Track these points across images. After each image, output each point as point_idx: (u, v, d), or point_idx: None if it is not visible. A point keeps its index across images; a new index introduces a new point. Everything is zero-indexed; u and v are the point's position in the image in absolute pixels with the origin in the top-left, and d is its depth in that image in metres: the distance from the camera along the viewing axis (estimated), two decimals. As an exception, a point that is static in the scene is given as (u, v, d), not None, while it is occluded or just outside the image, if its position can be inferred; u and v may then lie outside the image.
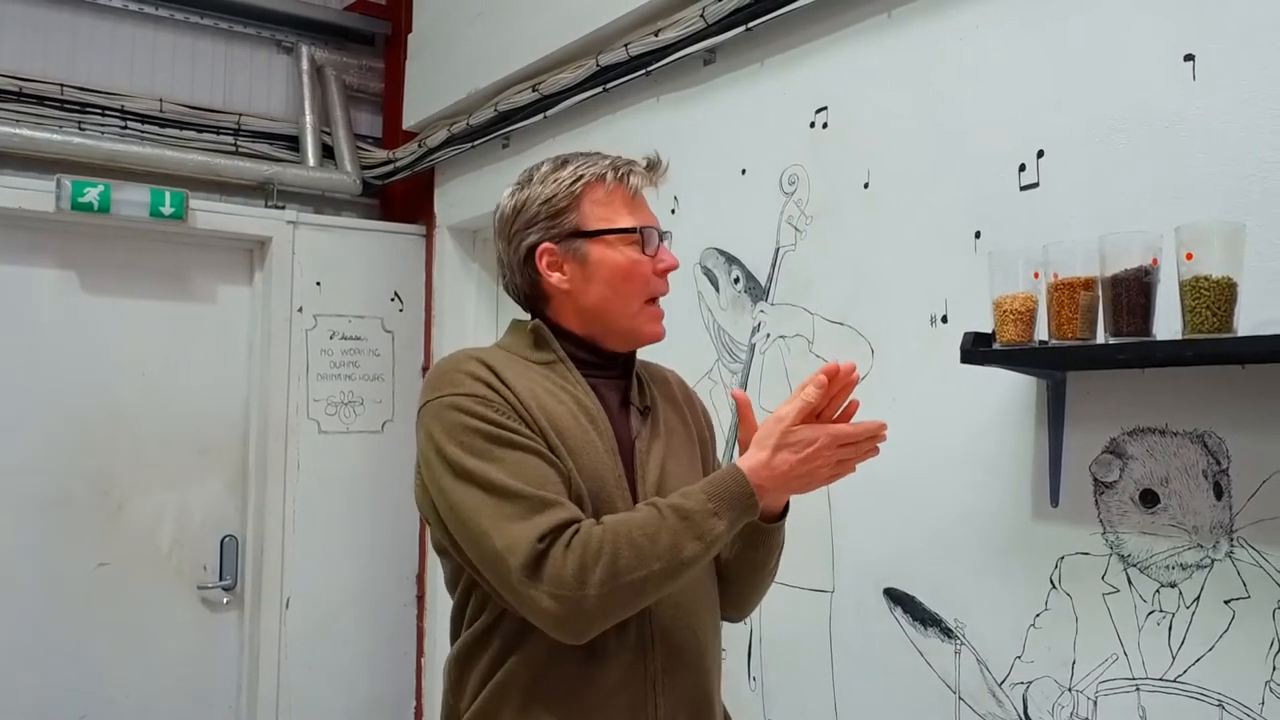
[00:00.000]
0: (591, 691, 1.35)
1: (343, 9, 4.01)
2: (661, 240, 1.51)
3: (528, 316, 1.55)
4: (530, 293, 1.51)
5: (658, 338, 1.52)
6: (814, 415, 1.33)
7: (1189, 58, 1.58)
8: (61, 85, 3.46)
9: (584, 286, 1.47)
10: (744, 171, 2.38)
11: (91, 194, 3.18)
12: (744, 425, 1.42)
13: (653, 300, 1.50)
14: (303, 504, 3.53)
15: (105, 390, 3.39)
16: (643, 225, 1.49)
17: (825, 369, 1.31)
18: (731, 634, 2.29)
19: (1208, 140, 1.54)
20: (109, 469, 3.38)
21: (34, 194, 3.18)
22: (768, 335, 2.30)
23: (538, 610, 1.24)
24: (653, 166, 1.54)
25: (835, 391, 1.34)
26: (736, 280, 2.38)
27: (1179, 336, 1.42)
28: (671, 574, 1.25)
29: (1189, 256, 1.41)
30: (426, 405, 1.39)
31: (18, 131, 3.25)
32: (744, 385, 2.33)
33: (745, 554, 1.49)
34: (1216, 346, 1.38)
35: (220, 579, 3.53)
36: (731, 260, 2.40)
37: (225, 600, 3.55)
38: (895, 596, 1.99)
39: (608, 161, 1.52)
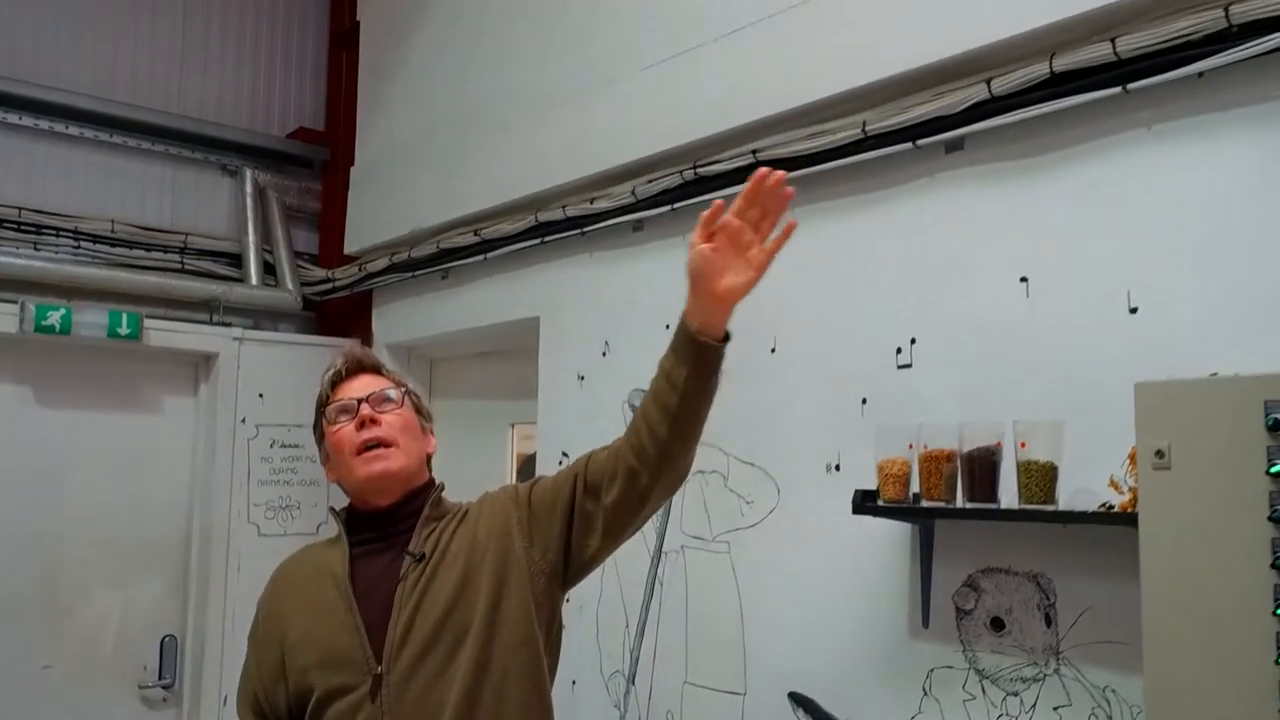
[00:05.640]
0: None
1: (285, 136, 4.31)
2: (366, 401, 1.78)
3: None
4: None
5: (373, 475, 1.75)
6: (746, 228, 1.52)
7: (1024, 279, 2.05)
8: (19, 208, 3.68)
9: (334, 471, 1.84)
10: (668, 326, 2.74)
11: (54, 317, 3.41)
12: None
13: (363, 450, 1.75)
14: (242, 604, 3.73)
15: (56, 498, 3.58)
16: (325, 406, 1.85)
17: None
18: (657, 730, 2.64)
19: (1038, 346, 2.01)
20: (58, 573, 3.56)
21: (-2, 316, 3.39)
22: (688, 469, 2.68)
23: None
24: (347, 356, 1.89)
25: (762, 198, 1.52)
26: (661, 419, 2.76)
27: (1016, 505, 1.87)
28: None
29: (1023, 445, 1.86)
30: None
31: (-19, 256, 3.46)
32: (667, 512, 2.71)
33: (697, 384, 1.58)
34: (1043, 515, 1.83)
35: (160, 678, 3.71)
36: (656, 402, 2.78)
37: (164, 698, 3.73)
38: (798, 699, 2.37)
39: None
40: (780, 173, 1.53)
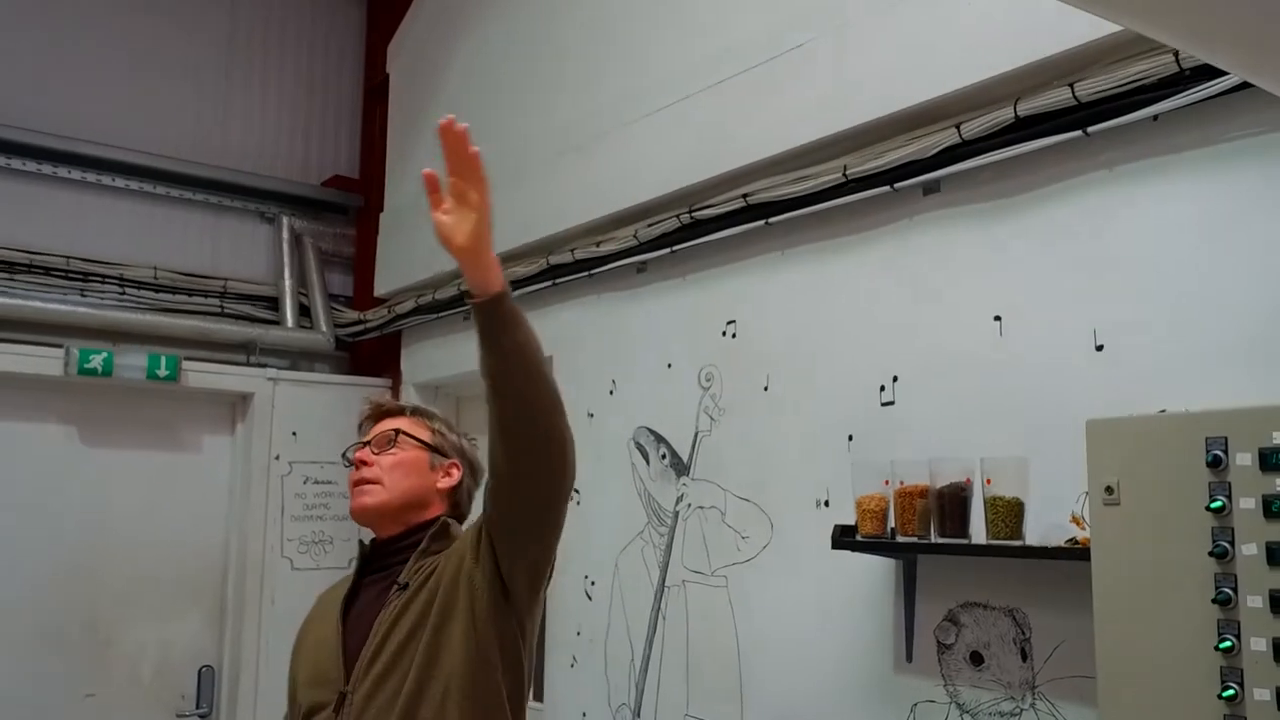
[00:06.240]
0: None
1: (320, 184, 4.48)
2: (366, 445, 1.92)
3: None
4: None
5: (352, 510, 1.89)
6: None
7: (997, 318, 2.09)
8: (67, 257, 3.88)
9: None
10: (669, 365, 2.85)
11: (96, 360, 3.58)
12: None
13: (353, 488, 1.90)
14: (276, 635, 3.86)
15: (98, 534, 3.74)
16: (346, 449, 1.99)
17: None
18: (659, 762, 2.69)
19: (1009, 383, 2.04)
20: (99, 606, 3.72)
21: (44, 360, 3.57)
22: (689, 505, 2.75)
23: None
24: (369, 404, 2.01)
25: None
26: (664, 456, 2.83)
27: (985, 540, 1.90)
28: None
29: (989, 481, 1.89)
30: None
31: (29, 304, 3.66)
32: (669, 547, 2.77)
33: (490, 345, 1.57)
34: (1008, 550, 1.86)
35: (197, 707, 3.84)
36: (659, 439, 2.86)
37: (201, 727, 3.86)
38: (791, 732, 2.41)
39: None
40: (450, 117, 1.54)
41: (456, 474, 2.00)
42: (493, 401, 1.60)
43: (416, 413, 2.03)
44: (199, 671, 3.87)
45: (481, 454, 1.95)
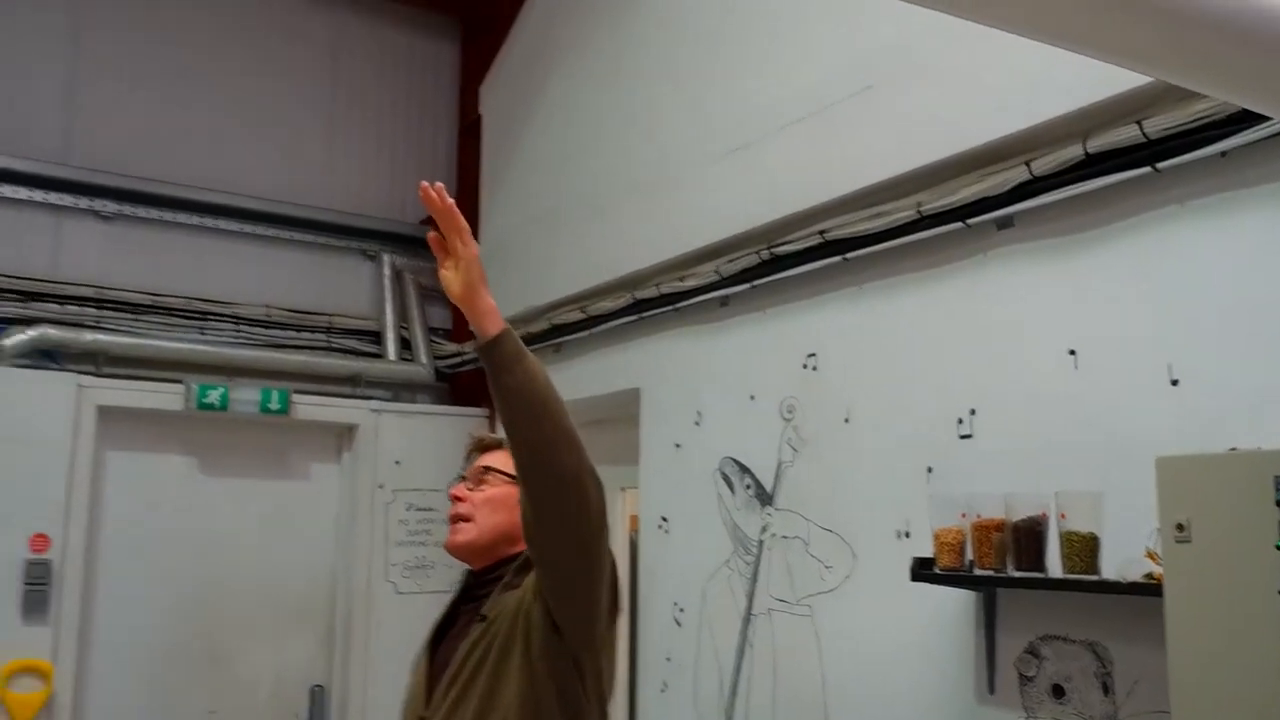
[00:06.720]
0: None
1: (419, 222, 4.68)
2: (463, 480, 2.01)
3: None
4: None
5: (446, 546, 1.99)
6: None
7: (1072, 352, 2.10)
8: (187, 298, 4.14)
9: None
10: (752, 397, 2.91)
11: (213, 395, 3.82)
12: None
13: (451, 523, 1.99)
14: (382, 656, 4.04)
15: (217, 558, 3.98)
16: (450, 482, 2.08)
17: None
18: (747, 787, 2.74)
19: (1083, 416, 2.06)
20: (220, 625, 3.96)
21: (166, 395, 3.82)
22: (773, 534, 2.80)
23: None
24: (471, 438, 2.12)
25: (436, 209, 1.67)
26: (749, 486, 2.90)
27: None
28: None
29: (1063, 516, 1.91)
30: None
31: (153, 342, 3.92)
32: (754, 576, 2.83)
33: (494, 385, 1.64)
34: (1083, 585, 1.88)
35: (310, 725, 4.04)
36: (744, 470, 2.92)
37: (314, 744, 4.05)
38: (875, 761, 2.44)
39: None
40: (423, 183, 1.71)
41: None
42: (508, 442, 1.68)
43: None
44: (311, 691, 4.07)
45: None
